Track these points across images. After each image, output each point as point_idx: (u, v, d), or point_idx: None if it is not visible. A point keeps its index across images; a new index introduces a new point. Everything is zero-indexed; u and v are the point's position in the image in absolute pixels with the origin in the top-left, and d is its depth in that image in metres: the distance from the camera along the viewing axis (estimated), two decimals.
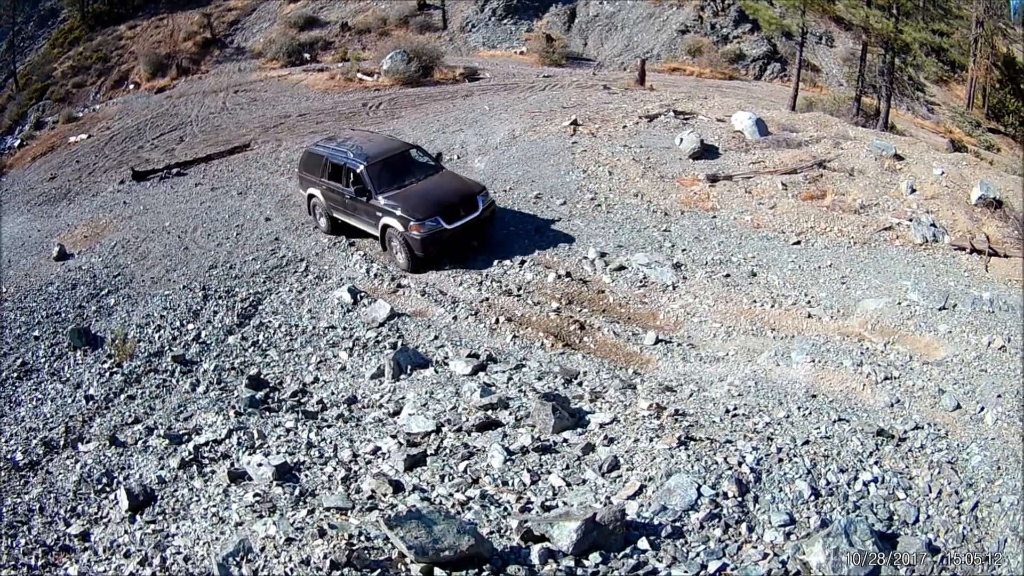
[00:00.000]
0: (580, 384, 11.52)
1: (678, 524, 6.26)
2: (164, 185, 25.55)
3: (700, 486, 6.66)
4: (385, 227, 19.47)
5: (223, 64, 47.15)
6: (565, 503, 7.13)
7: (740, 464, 7.25)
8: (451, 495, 7.38)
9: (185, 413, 12.46)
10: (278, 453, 9.22)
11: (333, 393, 12.51)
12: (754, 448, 7.64)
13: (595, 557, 6.05)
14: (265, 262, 18.82)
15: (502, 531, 6.58)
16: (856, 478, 7.78)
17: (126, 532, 8.68)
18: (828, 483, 7.40)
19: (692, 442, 7.68)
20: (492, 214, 20.15)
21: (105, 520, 9.24)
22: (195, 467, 9.46)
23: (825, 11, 40.05)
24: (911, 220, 19.85)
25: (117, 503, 9.37)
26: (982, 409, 11.23)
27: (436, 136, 26.24)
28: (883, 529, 6.88)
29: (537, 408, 8.75)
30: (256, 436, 10.04)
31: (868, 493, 7.59)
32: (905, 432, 9.98)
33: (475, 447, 8.22)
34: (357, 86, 37.16)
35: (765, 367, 12.91)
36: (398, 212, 19.04)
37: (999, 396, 11.36)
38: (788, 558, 6.14)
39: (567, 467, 7.52)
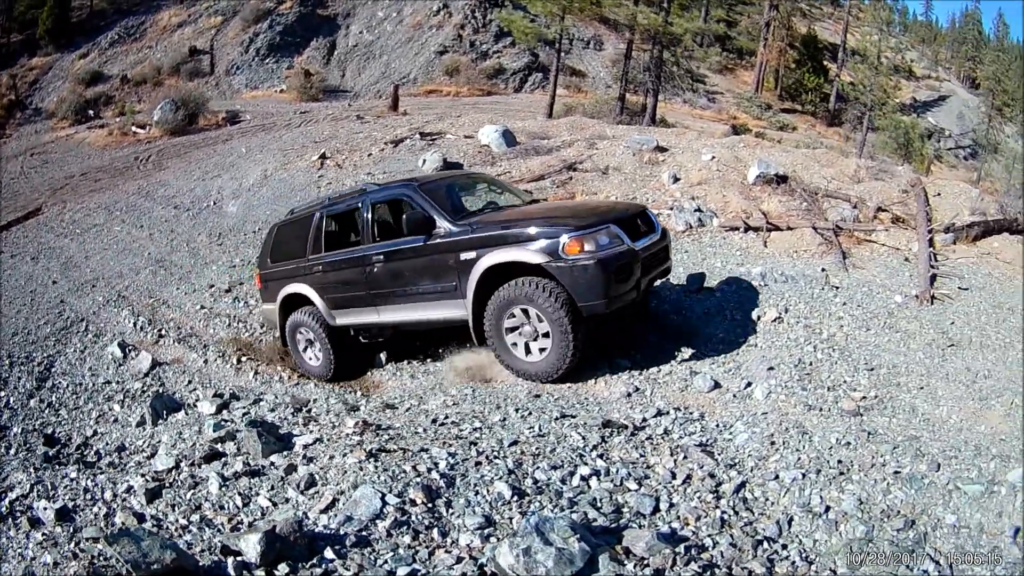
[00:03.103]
0: (309, 411, 11.56)
1: (364, 533, 6.15)
2: None
3: (385, 495, 6.51)
4: (488, 275, 11.30)
5: (24, 126, 46.52)
6: (271, 521, 7.04)
7: (430, 471, 7.03)
8: (177, 520, 7.45)
9: (2, 474, 12.45)
10: (62, 499, 9.33)
11: (107, 444, 12.67)
12: (450, 454, 7.42)
13: (283, 567, 5.79)
14: (54, 325, 18.06)
15: (211, 548, 6.68)
16: (573, 473, 7.36)
17: None
18: (536, 481, 7.05)
19: (384, 453, 7.58)
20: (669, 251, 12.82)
21: None
22: (10, 519, 9.52)
23: (588, 13, 40.29)
24: (672, 209, 19.68)
25: None
26: (749, 385, 11.06)
27: (196, 184, 25.90)
28: (607, 524, 6.41)
29: (246, 435, 8.92)
30: (50, 487, 10.10)
31: (588, 488, 7.14)
32: (644, 420, 9.57)
33: (200, 477, 8.19)
34: (131, 140, 36.38)
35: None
36: (529, 230, 10.96)
37: (771, 369, 11.33)
38: (487, 560, 5.92)
39: (272, 488, 7.49)
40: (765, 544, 6.45)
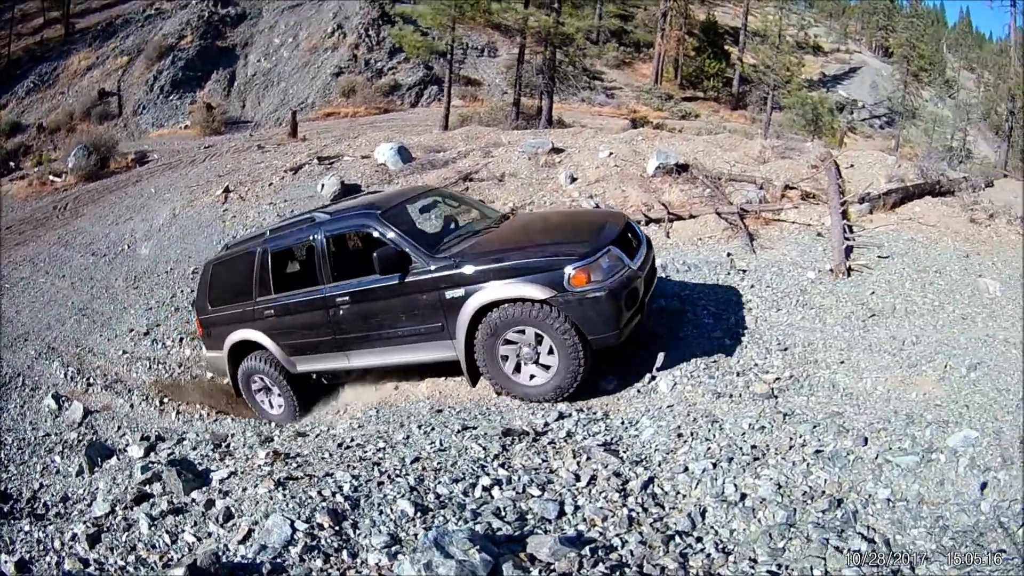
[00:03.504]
0: (228, 445, 11.67)
1: (278, 560, 6.15)
2: None
3: (294, 521, 6.52)
4: (482, 314, 10.33)
5: None
6: (194, 555, 7.08)
7: (334, 494, 7.02)
8: (116, 563, 7.71)
9: None
10: (20, 552, 9.65)
11: (53, 495, 12.55)
12: (353, 477, 7.40)
13: None
14: None
15: None
16: (475, 485, 7.21)
17: None
18: (438, 496, 6.95)
19: (291, 481, 7.59)
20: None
21: None
22: None
23: (479, 21, 40.02)
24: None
25: None
26: (653, 379, 10.79)
27: (111, 229, 25.74)
28: (512, 532, 6.24)
29: (167, 475, 9.23)
30: (8, 541, 10.38)
31: (491, 498, 7.00)
32: (546, 425, 9.44)
33: (132, 519, 8.35)
34: (50, 189, 35.67)
35: (389, 392, 12.73)
36: (527, 261, 10.10)
37: (675, 360, 11.12)
38: None
39: (195, 523, 7.56)
40: (677, 539, 6.32)
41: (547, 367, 10.25)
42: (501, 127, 32.84)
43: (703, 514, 6.79)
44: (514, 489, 7.16)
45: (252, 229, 21.53)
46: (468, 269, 10.34)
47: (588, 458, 8.02)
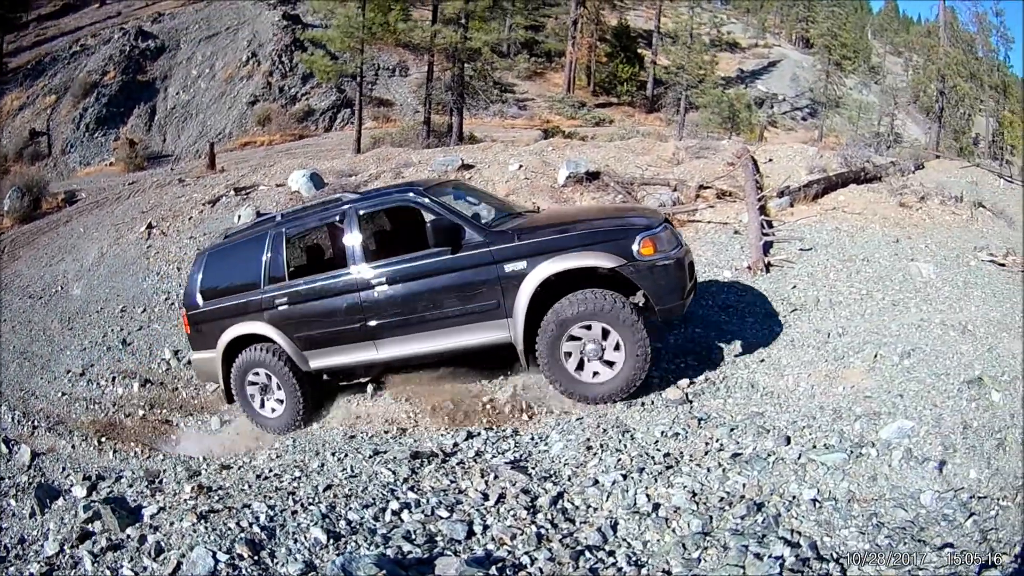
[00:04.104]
0: (160, 481, 11.84)
1: None
2: None
3: (216, 553, 6.64)
4: (542, 290, 10.01)
5: None
6: None
7: (251, 525, 7.11)
8: None
9: None
10: None
11: (11, 537, 12.11)
12: (269, 507, 7.44)
13: None
14: None
15: None
16: (385, 509, 7.20)
17: None
18: (350, 522, 6.94)
19: (212, 514, 7.71)
20: None
21: None
22: None
23: (388, 41, 40.04)
24: None
25: None
26: None
27: (45, 270, 25.69)
28: (421, 555, 6.24)
29: (104, 513, 9.62)
30: None
31: (401, 522, 6.97)
32: (455, 446, 9.41)
33: (78, 556, 8.39)
34: None
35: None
36: (594, 232, 10.12)
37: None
38: None
39: (131, 559, 7.69)
40: (587, 553, 6.19)
41: (611, 363, 10.01)
42: (412, 147, 32.95)
43: (614, 527, 6.63)
44: (422, 512, 7.14)
45: (173, 263, 22.32)
46: (529, 240, 10.10)
47: (496, 477, 7.97)
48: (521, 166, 23.14)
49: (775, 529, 6.24)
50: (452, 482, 7.92)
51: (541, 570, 5.94)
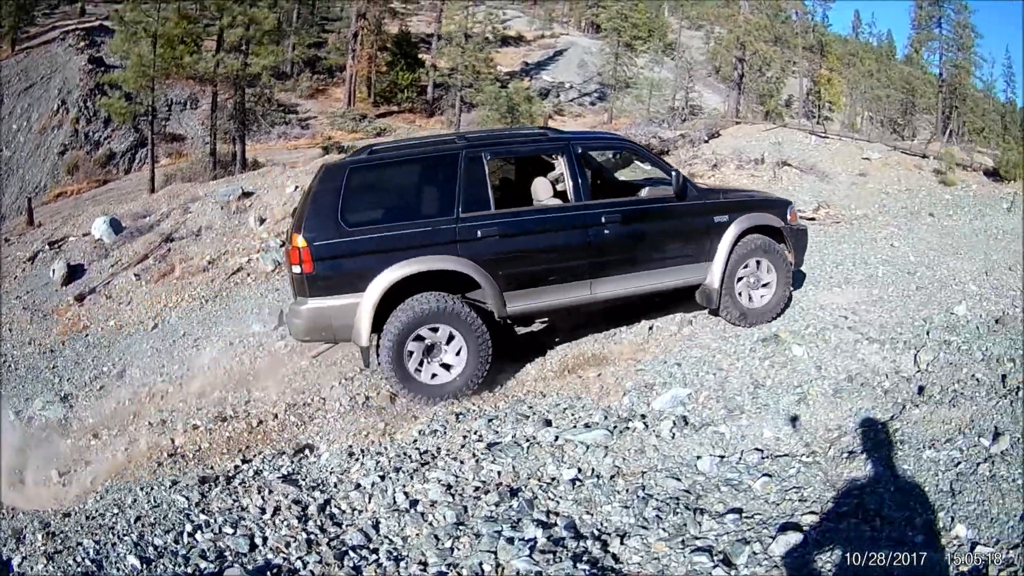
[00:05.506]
0: (24, 536, 8.71)
1: None
2: None
3: None
4: (747, 233, 10.52)
5: None
6: None
7: (84, 559, 6.78)
8: None
9: None
10: None
11: None
12: (95, 542, 7.13)
13: None
14: None
15: None
16: (182, 532, 7.14)
17: None
18: (156, 547, 6.93)
19: (57, 554, 7.02)
20: None
21: None
22: None
23: (178, 75, 36.94)
24: (259, 251, 19.95)
25: None
26: (324, 401, 10.93)
27: None
28: (215, 570, 6.33)
29: None
30: None
31: (196, 542, 6.91)
32: (236, 468, 9.19)
33: None
34: None
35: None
36: (767, 199, 11.77)
37: (333, 387, 11.25)
38: None
39: None
40: (351, 553, 6.22)
41: (763, 294, 10.72)
42: (199, 180, 32.09)
43: (376, 526, 6.60)
44: (212, 531, 7.17)
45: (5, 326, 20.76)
46: (730, 199, 11.05)
47: (271, 491, 7.95)
48: (297, 187, 22.56)
49: (529, 512, 6.20)
50: (235, 501, 7.84)
51: (312, 572, 6.00)
